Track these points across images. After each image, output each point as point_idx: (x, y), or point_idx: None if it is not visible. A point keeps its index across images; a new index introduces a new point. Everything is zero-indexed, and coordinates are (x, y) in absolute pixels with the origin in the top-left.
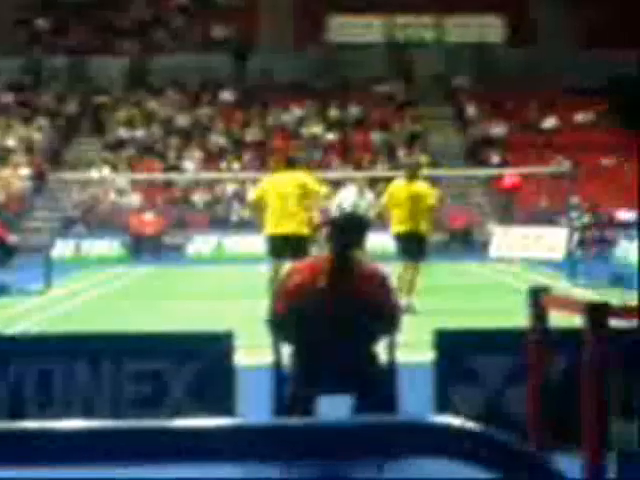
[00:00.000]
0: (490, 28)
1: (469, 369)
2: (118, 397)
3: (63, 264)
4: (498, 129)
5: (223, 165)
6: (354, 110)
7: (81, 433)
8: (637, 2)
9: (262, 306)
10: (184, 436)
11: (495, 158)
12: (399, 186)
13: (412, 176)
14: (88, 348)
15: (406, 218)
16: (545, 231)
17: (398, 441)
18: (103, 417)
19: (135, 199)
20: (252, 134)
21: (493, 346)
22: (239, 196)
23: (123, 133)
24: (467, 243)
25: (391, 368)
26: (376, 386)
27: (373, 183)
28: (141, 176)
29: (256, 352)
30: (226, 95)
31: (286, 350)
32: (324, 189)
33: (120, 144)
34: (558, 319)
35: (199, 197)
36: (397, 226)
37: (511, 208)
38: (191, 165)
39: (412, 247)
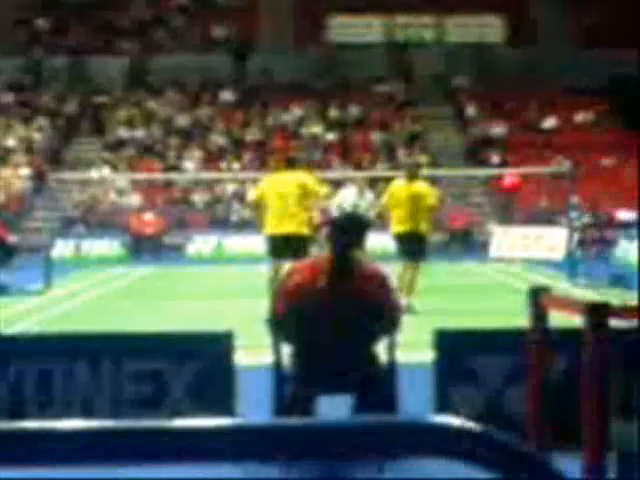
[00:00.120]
0: (490, 28)
1: (469, 369)
2: (118, 397)
3: (63, 264)
4: (498, 129)
5: (223, 165)
6: (354, 110)
7: (81, 433)
8: (637, 2)
9: (262, 306)
10: (184, 436)
11: (495, 158)
12: (399, 186)
13: (412, 176)
14: (88, 348)
15: (406, 218)
16: (545, 231)
17: (398, 441)
18: (103, 417)
19: (135, 199)
20: (252, 134)
21: (493, 346)
22: (239, 196)
23: (123, 133)
24: (467, 243)
25: (391, 368)
26: (376, 386)
27: (373, 183)
28: (141, 176)
29: (256, 352)
30: (226, 95)
31: (286, 350)
32: (324, 189)
33: (120, 144)
34: (558, 319)
35: (199, 197)
36: (397, 226)
37: (511, 208)
38: (191, 165)
39: (412, 247)
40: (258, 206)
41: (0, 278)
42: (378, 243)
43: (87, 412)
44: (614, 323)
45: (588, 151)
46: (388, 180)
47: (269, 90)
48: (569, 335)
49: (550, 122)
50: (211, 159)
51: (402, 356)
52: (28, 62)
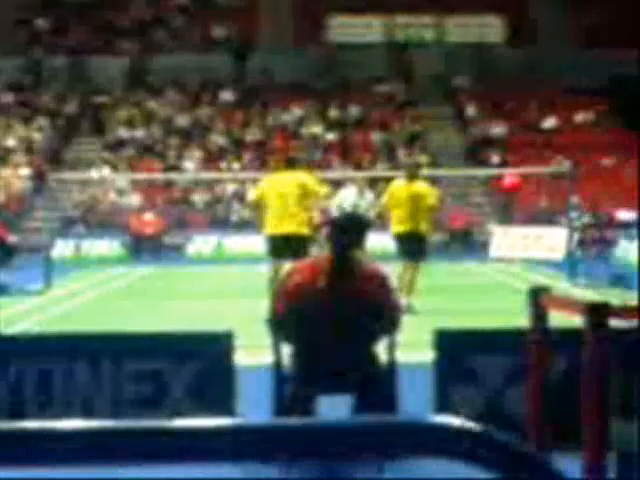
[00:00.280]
0: (490, 28)
1: (469, 369)
2: (118, 397)
3: (63, 264)
4: (498, 129)
5: (223, 165)
6: (354, 110)
7: (81, 433)
8: (637, 2)
9: (262, 306)
10: (184, 436)
11: (495, 158)
12: (399, 186)
13: (412, 176)
14: (88, 348)
15: (406, 218)
16: (545, 231)
17: (398, 441)
18: (103, 417)
19: (135, 199)
20: (252, 134)
21: (493, 346)
22: (239, 196)
23: (123, 133)
24: (467, 243)
25: (391, 368)
26: (376, 386)
27: (373, 183)
28: (141, 176)
29: (256, 352)
30: (226, 95)
31: (286, 350)
32: (324, 189)
33: (120, 144)
34: (558, 319)
35: (199, 197)
36: (397, 226)
37: (511, 208)
38: (191, 165)
39: (412, 247)
40: (258, 206)
41: (0, 278)
42: (378, 243)
43: (87, 412)
44: (614, 323)
45: (588, 151)
46: (388, 180)
47: (269, 90)
48: (569, 335)
49: (550, 122)
50: (211, 159)
51: (402, 356)
52: (28, 62)
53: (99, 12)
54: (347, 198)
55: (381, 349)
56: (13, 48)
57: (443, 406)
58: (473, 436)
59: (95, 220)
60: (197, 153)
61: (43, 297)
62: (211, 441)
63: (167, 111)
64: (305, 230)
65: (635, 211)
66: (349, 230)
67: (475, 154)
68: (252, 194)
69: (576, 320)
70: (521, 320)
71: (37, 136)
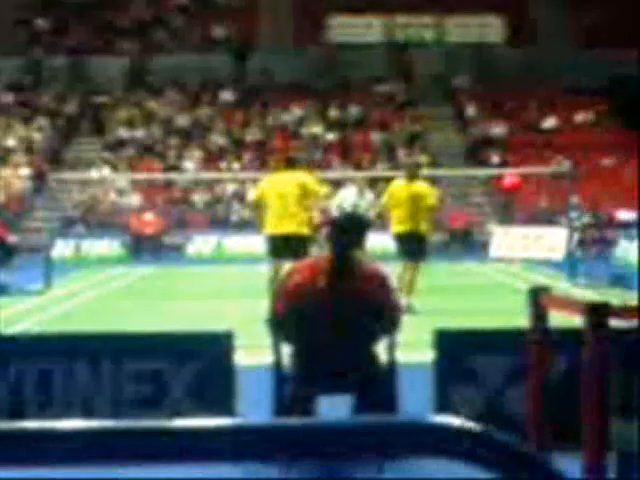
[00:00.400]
0: (490, 28)
1: (469, 369)
2: (118, 397)
3: (63, 264)
4: (498, 129)
5: (223, 165)
6: (354, 110)
7: (81, 433)
8: (637, 2)
9: (262, 306)
10: (184, 436)
11: (495, 158)
12: (399, 186)
13: (412, 176)
14: (88, 348)
15: (406, 218)
16: (545, 231)
17: (398, 441)
18: (103, 417)
19: (135, 199)
20: (252, 134)
21: (493, 346)
22: (239, 196)
23: (123, 133)
24: (467, 243)
25: (391, 368)
26: (376, 386)
27: (373, 183)
28: (141, 176)
29: (256, 352)
30: (226, 95)
31: (286, 350)
32: (324, 189)
33: (120, 144)
34: (558, 319)
35: (199, 197)
36: (397, 226)
37: (511, 208)
38: (191, 165)
39: (412, 247)
40: (258, 206)
41: (0, 278)
42: (378, 243)
43: (87, 412)
44: (614, 323)
45: (588, 151)
46: (388, 180)
47: (269, 90)
48: (569, 335)
49: (550, 122)
50: (211, 159)
51: (402, 356)
52: (28, 62)
53: (99, 12)
54: (347, 198)
55: (381, 349)
56: (13, 48)
57: (443, 406)
58: (473, 436)
59: (95, 220)
60: (197, 153)
61: (43, 297)
62: (211, 441)
63: (167, 111)
64: (305, 230)
65: (635, 211)
66: (349, 230)
67: (475, 154)
68: (252, 194)
69: (576, 320)
70: (521, 320)
71: (37, 136)
